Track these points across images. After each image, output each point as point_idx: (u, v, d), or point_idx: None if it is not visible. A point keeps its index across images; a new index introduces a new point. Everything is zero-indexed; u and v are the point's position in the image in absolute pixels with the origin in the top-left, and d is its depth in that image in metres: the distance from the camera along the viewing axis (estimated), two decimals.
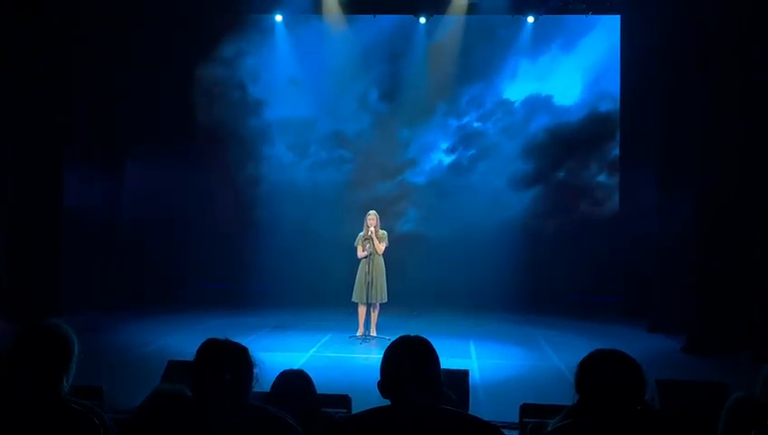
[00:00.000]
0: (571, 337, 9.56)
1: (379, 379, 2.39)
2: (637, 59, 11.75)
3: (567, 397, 2.56)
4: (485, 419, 2.42)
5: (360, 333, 9.12)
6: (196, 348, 2.52)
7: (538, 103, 12.92)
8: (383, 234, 9.11)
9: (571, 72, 12.82)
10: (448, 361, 6.15)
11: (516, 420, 4.39)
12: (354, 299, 9.18)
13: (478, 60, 12.81)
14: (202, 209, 13.17)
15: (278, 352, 8.10)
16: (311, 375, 3.46)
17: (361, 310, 9.16)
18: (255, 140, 13.22)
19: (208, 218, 13.20)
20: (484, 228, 12.65)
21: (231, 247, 13.14)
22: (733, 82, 8.69)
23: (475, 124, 13.00)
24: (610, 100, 12.60)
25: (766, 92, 8.24)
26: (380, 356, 2.43)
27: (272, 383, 3.32)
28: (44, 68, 9.79)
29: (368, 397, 3.06)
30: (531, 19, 12.55)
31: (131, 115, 11.60)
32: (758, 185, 8.37)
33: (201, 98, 13.16)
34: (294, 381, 3.36)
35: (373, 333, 9.11)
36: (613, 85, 12.52)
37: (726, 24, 8.74)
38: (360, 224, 9.25)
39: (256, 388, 2.52)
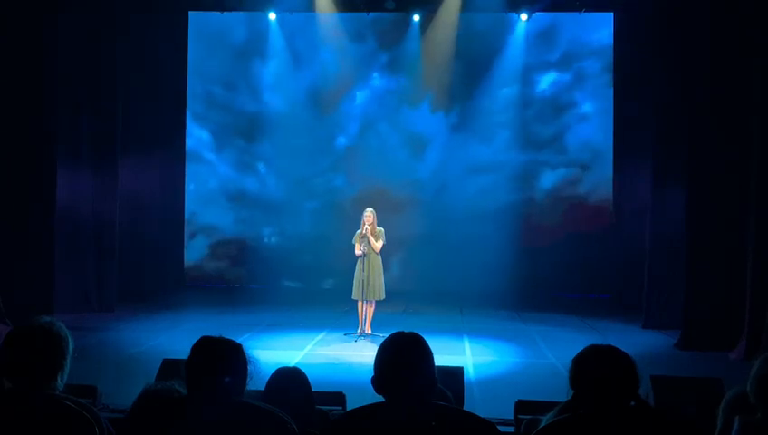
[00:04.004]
0: (565, 334, 9.58)
1: (372, 375, 2.39)
2: (630, 56, 11.77)
3: (562, 393, 2.56)
4: (480, 415, 2.42)
5: (360, 330, 9.11)
6: (191, 346, 2.52)
7: (531, 101, 12.93)
8: (380, 231, 9.09)
9: (565, 70, 12.83)
10: (443, 358, 6.16)
11: (511, 417, 4.39)
12: (353, 297, 9.20)
13: (471, 57, 12.80)
14: (195, 208, 13.16)
15: (273, 350, 8.09)
16: (305, 373, 3.46)
17: (360, 307, 9.16)
18: (249, 140, 13.19)
19: (201, 217, 13.19)
20: (478, 226, 12.66)
21: (224, 246, 13.15)
22: (729, 80, 8.69)
23: (470, 122, 12.98)
24: (604, 97, 12.61)
25: (764, 90, 8.24)
26: (374, 353, 2.44)
27: (266, 381, 3.32)
28: (38, 67, 9.74)
29: (362, 394, 3.06)
30: (524, 16, 12.57)
31: (124, 114, 11.55)
32: (752, 183, 8.37)
33: (194, 96, 13.13)
34: (289, 379, 3.36)
35: (368, 330, 9.10)
36: (607, 82, 12.55)
37: (722, 21, 8.75)
38: (357, 221, 9.24)
39: (251, 386, 2.52)
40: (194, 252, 13.17)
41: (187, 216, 13.10)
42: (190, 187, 13.13)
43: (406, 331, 2.47)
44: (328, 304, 11.03)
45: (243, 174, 13.23)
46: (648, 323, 10.10)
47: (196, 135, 13.17)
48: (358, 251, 9.06)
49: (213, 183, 13.25)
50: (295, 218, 13.11)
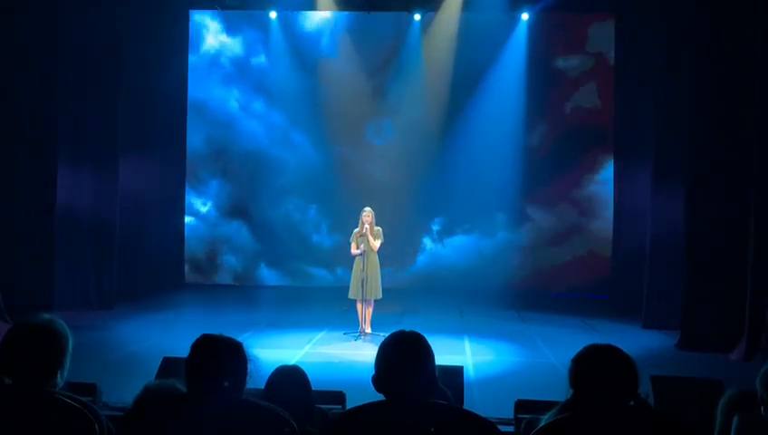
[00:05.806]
0: (565, 333, 9.57)
1: (373, 373, 2.39)
2: (631, 57, 11.77)
3: (561, 393, 2.56)
4: (480, 415, 2.42)
5: (360, 329, 9.10)
6: (191, 344, 2.52)
7: (533, 101, 12.93)
8: (378, 231, 9.07)
9: (565, 70, 12.84)
10: (443, 357, 6.16)
11: (511, 416, 4.40)
12: (351, 296, 9.19)
13: (472, 56, 12.79)
14: (195, 207, 13.17)
15: (273, 349, 8.09)
16: (305, 371, 3.46)
17: (359, 307, 9.15)
18: (249, 139, 13.21)
19: (201, 216, 13.21)
20: (478, 226, 12.66)
21: (224, 245, 13.17)
22: (729, 80, 8.69)
23: (471, 120, 12.98)
24: (605, 97, 12.61)
25: (763, 92, 8.24)
26: (374, 352, 2.44)
27: (266, 380, 3.32)
28: (38, 66, 9.75)
29: (362, 393, 3.07)
30: (525, 16, 12.58)
31: (125, 114, 11.54)
32: (752, 183, 8.38)
33: (194, 96, 13.14)
34: (289, 378, 3.37)
35: (367, 329, 9.10)
36: (608, 83, 12.55)
37: (723, 21, 8.75)
38: (354, 221, 9.23)
39: (251, 384, 2.52)
40: (194, 251, 13.18)
41: (186, 215, 13.11)
42: (190, 187, 13.14)
43: (407, 329, 2.47)
44: (327, 302, 11.02)
45: (241, 174, 13.24)
46: (648, 323, 10.09)
47: (196, 136, 13.17)
48: (354, 251, 9.05)
49: (213, 182, 13.26)
50: (294, 218, 13.12)
